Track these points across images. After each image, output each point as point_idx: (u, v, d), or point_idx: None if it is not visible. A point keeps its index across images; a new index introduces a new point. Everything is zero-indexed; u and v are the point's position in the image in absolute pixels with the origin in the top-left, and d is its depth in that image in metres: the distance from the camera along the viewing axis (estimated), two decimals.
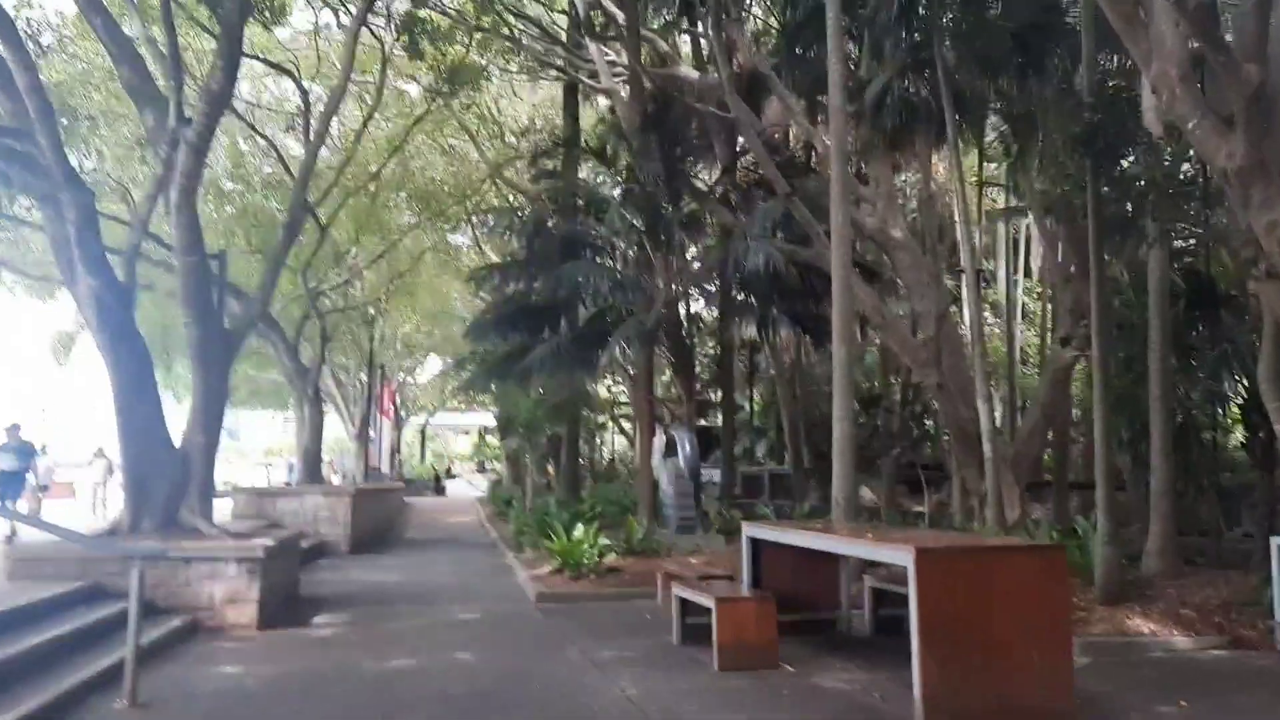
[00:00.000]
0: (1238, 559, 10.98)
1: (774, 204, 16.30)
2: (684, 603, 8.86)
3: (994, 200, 26.61)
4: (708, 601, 8.02)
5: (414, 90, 25.25)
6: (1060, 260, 16.50)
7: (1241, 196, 8.05)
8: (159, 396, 11.12)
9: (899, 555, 6.21)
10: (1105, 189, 9.69)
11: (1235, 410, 12.67)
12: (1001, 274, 24.04)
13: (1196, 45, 8.25)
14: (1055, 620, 6.09)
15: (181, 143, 10.73)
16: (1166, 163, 9.43)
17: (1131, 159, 9.99)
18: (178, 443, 11.09)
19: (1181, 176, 9.78)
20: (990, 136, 18.31)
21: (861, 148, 14.85)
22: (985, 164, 22.92)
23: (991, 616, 5.95)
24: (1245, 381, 11.65)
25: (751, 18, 21.76)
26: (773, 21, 21.73)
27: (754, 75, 18.19)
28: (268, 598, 9.91)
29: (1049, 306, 25.19)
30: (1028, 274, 30.75)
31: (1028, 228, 29.73)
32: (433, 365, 47.16)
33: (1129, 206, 9.94)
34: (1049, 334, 24.54)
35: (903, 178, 22.53)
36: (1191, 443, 11.29)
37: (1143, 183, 9.49)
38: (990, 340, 24.11)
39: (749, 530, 9.06)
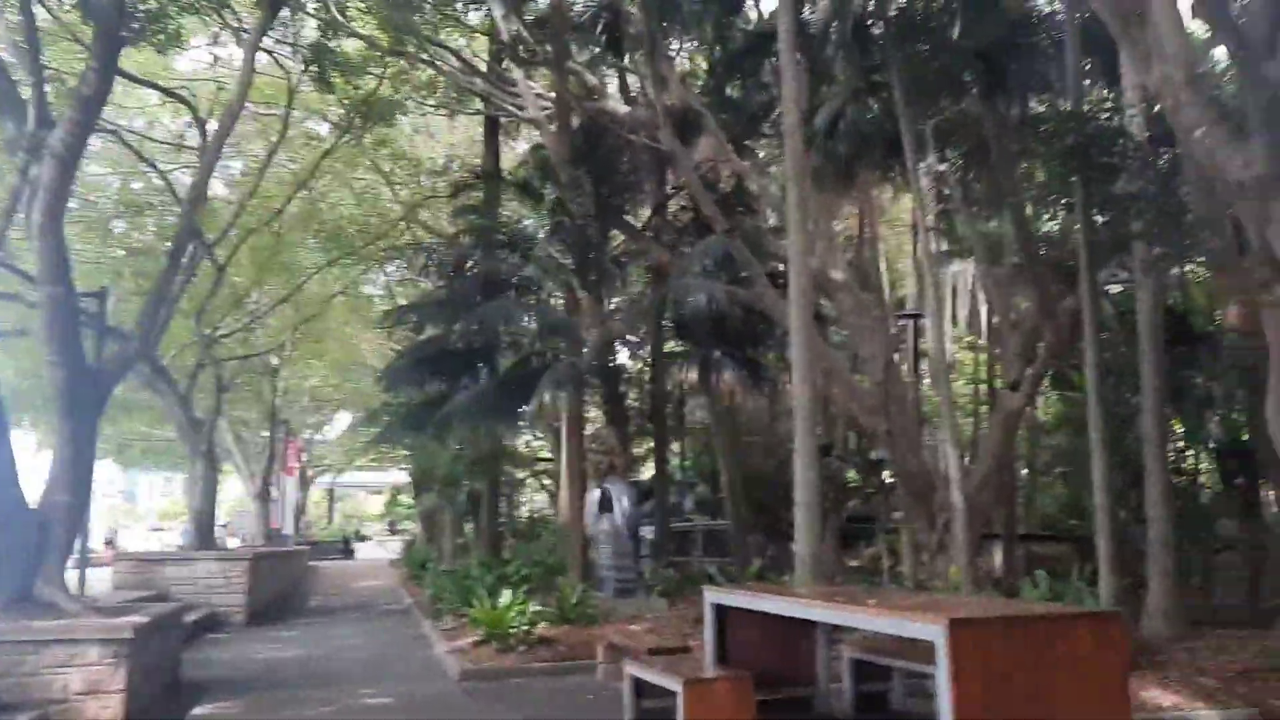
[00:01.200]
0: (1229, 615, 10.15)
1: (713, 241, 15.32)
2: (638, 683, 7.56)
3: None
4: (672, 684, 6.74)
5: (324, 129, 23.96)
6: (1000, 302, 15.91)
7: (1258, 211, 7.26)
8: (12, 450, 9.41)
9: (925, 628, 5.04)
10: (1095, 211, 8.90)
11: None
12: (944, 322, 23.47)
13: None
14: (1114, 702, 4.99)
15: (46, 153, 9.20)
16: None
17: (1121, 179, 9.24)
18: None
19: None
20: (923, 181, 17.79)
21: (811, 177, 14.00)
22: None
23: (1042, 701, 4.83)
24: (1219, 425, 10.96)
25: (678, 58, 21.08)
26: (700, 63, 21.11)
27: (685, 112, 17.36)
28: (138, 686, 8.29)
29: (980, 355, 24.82)
30: (953, 322, 30.57)
31: (954, 276, 29.63)
32: (342, 421, 44.95)
33: (1118, 229, 9.14)
34: (980, 384, 24.16)
35: (837, 225, 21.94)
36: (1183, 491, 10.50)
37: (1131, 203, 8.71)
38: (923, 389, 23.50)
39: (713, 596, 7.80)
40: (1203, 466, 12.70)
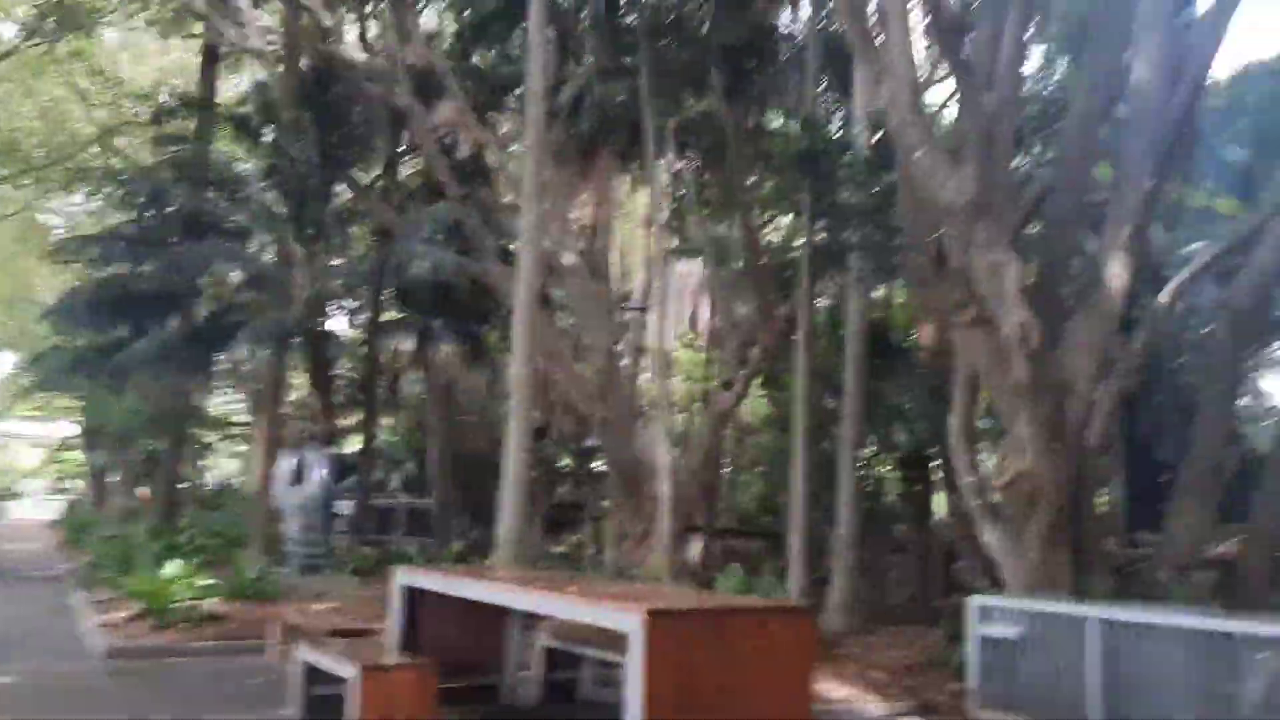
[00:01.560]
0: (901, 612, 10.88)
1: (445, 208, 14.71)
2: (311, 668, 6.89)
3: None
4: (347, 670, 6.16)
5: (9, 31, 20.91)
6: (722, 304, 16.42)
7: (964, 234, 7.70)
8: None
9: (621, 618, 4.82)
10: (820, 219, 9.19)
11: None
12: (668, 317, 23.95)
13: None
14: (799, 694, 5.01)
15: None
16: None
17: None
18: None
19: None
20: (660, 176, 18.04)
21: (553, 153, 13.72)
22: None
23: (731, 692, 4.75)
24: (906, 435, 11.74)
25: (425, 14, 20.12)
26: (448, 23, 20.29)
27: (427, 72, 16.56)
28: None
29: (698, 354, 25.64)
30: (676, 320, 31.46)
31: (681, 274, 30.49)
32: (4, 363, 39.78)
33: (837, 239, 9.49)
34: (695, 381, 24.96)
35: (573, 212, 21.84)
36: (869, 494, 11.14)
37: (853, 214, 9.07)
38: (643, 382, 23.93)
39: (405, 578, 7.27)
40: (887, 473, 13.69)
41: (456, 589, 6.65)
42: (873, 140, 9.54)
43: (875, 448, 12.39)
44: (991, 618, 7.30)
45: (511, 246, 15.31)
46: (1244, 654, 5.91)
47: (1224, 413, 8.96)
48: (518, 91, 16.05)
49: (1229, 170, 13.53)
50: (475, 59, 17.05)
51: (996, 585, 8.13)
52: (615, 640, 5.38)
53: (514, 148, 17.37)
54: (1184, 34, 8.86)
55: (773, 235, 17.05)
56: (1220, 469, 8.73)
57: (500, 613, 7.33)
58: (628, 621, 4.72)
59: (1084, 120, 8.74)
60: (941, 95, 13.66)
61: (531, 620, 7.83)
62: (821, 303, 15.24)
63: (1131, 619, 6.46)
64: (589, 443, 16.83)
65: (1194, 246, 11.41)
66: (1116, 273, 7.97)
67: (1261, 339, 11.69)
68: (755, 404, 19.95)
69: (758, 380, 15.71)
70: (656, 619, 4.63)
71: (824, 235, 9.89)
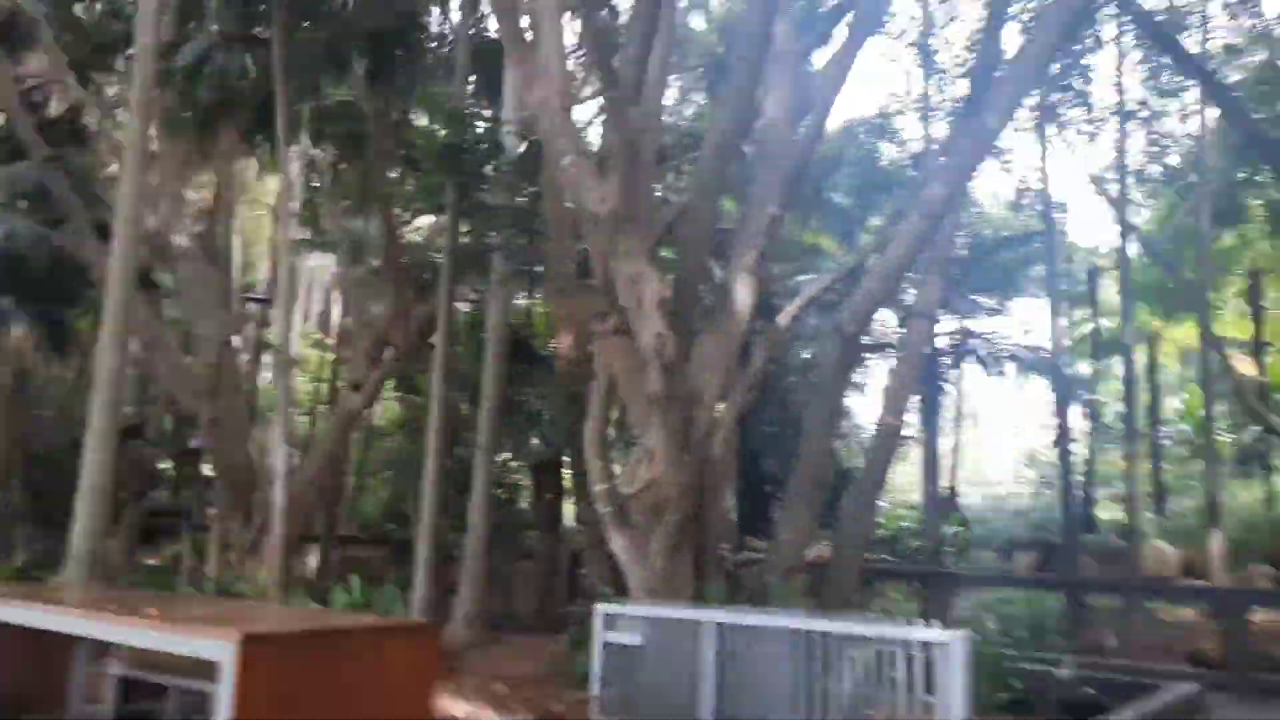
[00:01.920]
0: (529, 620, 10.77)
1: (26, 169, 12.68)
2: None
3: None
4: None
5: None
6: (355, 302, 15.61)
7: (606, 245, 7.71)
8: None
9: (211, 645, 4.17)
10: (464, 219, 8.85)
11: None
12: (294, 313, 22.39)
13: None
14: (419, 716, 4.63)
15: None
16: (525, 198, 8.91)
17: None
18: None
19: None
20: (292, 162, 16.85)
21: (164, 121, 12.18)
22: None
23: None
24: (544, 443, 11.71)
25: None
26: None
27: (13, 14, 14.23)
28: None
29: (326, 353, 24.23)
30: (304, 316, 29.58)
31: (311, 269, 28.77)
32: None
33: (481, 239, 9.20)
34: (322, 382, 23.56)
35: (192, 194, 19.78)
36: (502, 502, 10.92)
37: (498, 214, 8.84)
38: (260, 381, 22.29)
39: None
40: (520, 479, 13.60)
41: (3, 614, 5.52)
42: (522, 145, 9.41)
43: (510, 454, 12.24)
44: (616, 624, 7.30)
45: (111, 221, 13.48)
46: (837, 651, 6.33)
47: (827, 430, 9.73)
48: (129, 53, 14.31)
49: (832, 213, 15.04)
50: (78, 10, 15.05)
51: (622, 592, 8.20)
52: (206, 667, 4.72)
53: (122, 116, 15.39)
54: (809, 80, 9.58)
55: (413, 234, 16.46)
56: (822, 482, 9.46)
57: (66, 639, 6.21)
58: (218, 649, 4.10)
59: (717, 151, 9.14)
60: (589, 113, 13.89)
61: (104, 646, 6.77)
62: (462, 306, 14.98)
63: (742, 622, 6.72)
64: (194, 444, 15.21)
65: (803, 278, 12.46)
66: (741, 296, 8.39)
67: (856, 364, 12.94)
68: (387, 407, 19.21)
69: (390, 383, 15.04)
70: (253, 645, 4.06)
71: (467, 236, 9.59)
